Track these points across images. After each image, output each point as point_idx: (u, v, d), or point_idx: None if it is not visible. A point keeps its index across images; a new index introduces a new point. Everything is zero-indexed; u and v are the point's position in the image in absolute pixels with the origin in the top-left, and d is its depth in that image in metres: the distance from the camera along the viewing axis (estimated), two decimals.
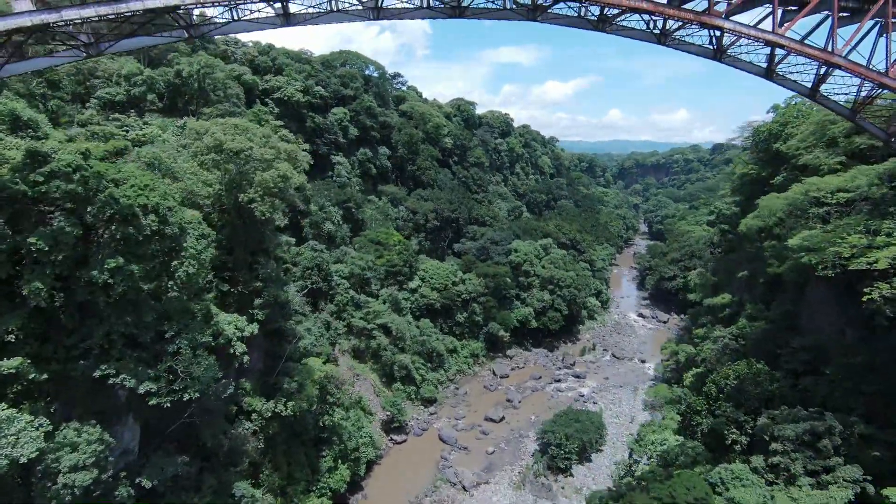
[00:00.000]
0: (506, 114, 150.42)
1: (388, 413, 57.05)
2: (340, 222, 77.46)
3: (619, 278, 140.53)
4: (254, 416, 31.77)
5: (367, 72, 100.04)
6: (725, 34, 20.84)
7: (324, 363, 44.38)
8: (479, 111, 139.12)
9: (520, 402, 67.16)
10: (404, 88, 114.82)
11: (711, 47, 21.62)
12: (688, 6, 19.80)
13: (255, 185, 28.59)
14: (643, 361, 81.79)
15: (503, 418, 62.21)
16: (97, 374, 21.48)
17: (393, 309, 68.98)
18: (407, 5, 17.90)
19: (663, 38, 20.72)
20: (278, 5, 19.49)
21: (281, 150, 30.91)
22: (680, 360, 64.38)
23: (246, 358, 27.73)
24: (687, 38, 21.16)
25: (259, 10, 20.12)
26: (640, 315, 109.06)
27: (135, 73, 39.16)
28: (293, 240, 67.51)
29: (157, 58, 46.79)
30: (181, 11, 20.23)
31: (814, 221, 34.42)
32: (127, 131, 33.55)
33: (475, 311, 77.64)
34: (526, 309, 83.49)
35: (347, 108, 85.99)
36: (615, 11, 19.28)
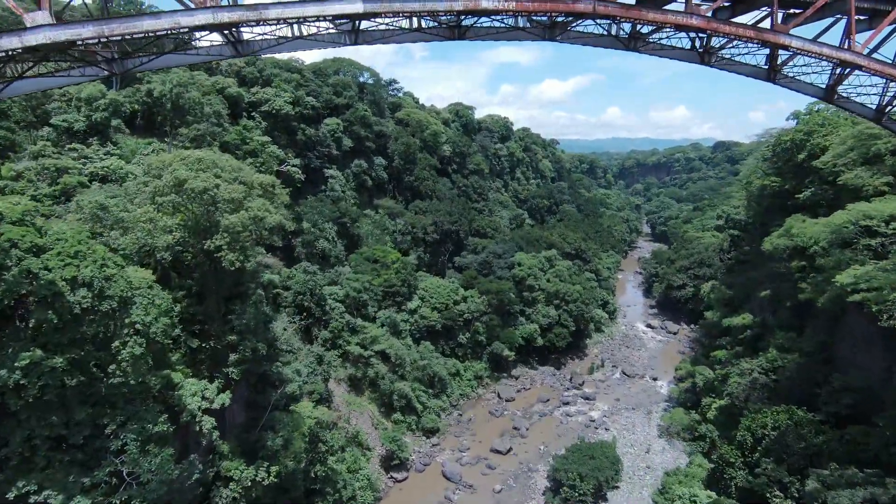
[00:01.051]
0: (505, 117, 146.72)
1: (388, 449, 53.25)
2: (335, 239, 73.67)
3: (624, 284, 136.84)
4: (232, 483, 28.00)
5: (361, 79, 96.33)
6: (781, 52, 17.11)
7: (315, 405, 40.55)
8: (479, 114, 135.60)
9: (527, 429, 63.34)
10: (400, 95, 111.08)
11: (765, 67, 17.97)
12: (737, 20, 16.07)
13: (221, 231, 24.74)
14: (655, 379, 78.06)
15: (510, 450, 58.41)
16: (12, 493, 17.04)
17: (391, 332, 65.24)
18: (391, 28, 14.29)
19: (707, 57, 17.06)
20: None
21: (254, 185, 27.10)
22: (697, 384, 60.51)
23: (216, 434, 23.93)
24: (736, 58, 17.52)
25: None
26: (649, 325, 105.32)
27: (96, 97, 35.31)
28: (281, 263, 63.92)
29: (128, 76, 43.02)
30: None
31: (864, 254, 30.73)
32: (85, 163, 29.73)
33: (478, 330, 73.89)
34: (531, 326, 79.68)
35: (341, 117, 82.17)
36: (650, 28, 15.65)
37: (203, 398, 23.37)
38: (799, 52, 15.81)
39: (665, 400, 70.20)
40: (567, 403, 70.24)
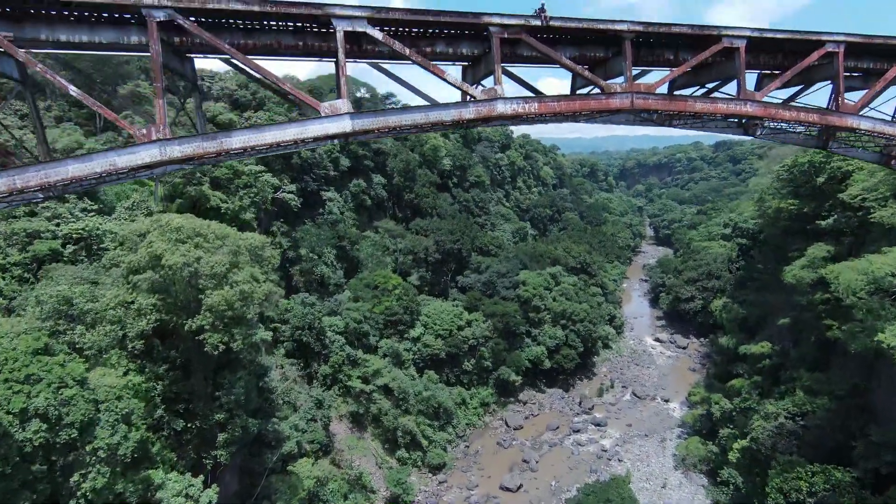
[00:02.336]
0: (505, 125, 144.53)
1: (393, 492, 50.96)
2: (334, 263, 71.48)
3: (629, 293, 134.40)
4: None
5: (358, 94, 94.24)
6: None
7: (315, 461, 38.25)
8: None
9: (537, 462, 61.00)
10: (399, 107, 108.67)
11: (815, 135, 15.80)
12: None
13: (203, 310, 22.49)
14: (666, 401, 75.72)
15: (521, 486, 56.11)
16: None
17: (394, 363, 62.99)
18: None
19: (752, 129, 14.80)
20: None
21: (241, 250, 24.80)
22: (713, 413, 58.09)
23: None
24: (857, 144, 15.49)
25: None
26: (657, 340, 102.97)
27: (73, 148, 33.01)
28: (282, 290, 61.67)
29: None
30: None
31: None
32: (59, 224, 27.52)
33: (483, 355, 71.57)
34: (538, 348, 77.33)
35: None
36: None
37: (187, 496, 21.13)
38: (867, 133, 13.66)
39: (678, 425, 67.88)
40: (577, 431, 67.91)
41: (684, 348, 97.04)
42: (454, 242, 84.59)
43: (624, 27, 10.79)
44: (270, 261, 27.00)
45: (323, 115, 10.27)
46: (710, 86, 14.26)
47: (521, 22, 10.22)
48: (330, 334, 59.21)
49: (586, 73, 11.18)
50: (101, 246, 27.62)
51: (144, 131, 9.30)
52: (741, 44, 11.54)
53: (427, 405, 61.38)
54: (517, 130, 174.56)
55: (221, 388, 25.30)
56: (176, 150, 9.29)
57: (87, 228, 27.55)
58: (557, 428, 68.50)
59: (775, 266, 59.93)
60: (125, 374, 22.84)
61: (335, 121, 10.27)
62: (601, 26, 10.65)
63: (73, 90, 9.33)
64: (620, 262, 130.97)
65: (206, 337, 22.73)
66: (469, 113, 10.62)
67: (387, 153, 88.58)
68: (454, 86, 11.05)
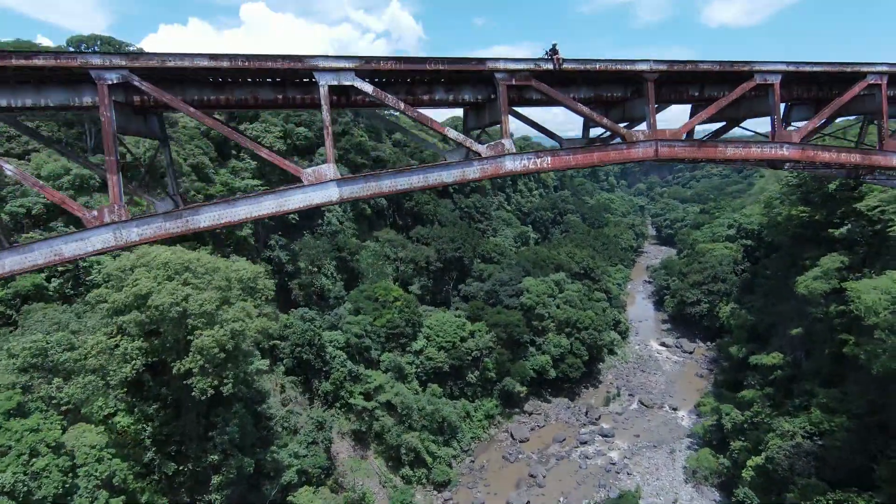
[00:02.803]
0: None
1: None
2: (334, 274, 70.37)
3: (633, 295, 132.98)
4: None
5: None
6: None
7: (316, 489, 37.03)
8: None
9: (544, 476, 59.72)
10: (397, 114, 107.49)
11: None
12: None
13: (193, 352, 21.23)
14: (675, 409, 74.34)
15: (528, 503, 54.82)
16: None
17: (396, 377, 61.80)
18: None
19: (781, 164, 13.63)
20: None
21: (233, 283, 23.58)
22: (724, 424, 56.80)
23: None
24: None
25: None
26: (663, 344, 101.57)
27: (59, 174, 31.65)
28: (276, 325, 60.49)
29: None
30: None
31: None
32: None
33: (487, 366, 70.32)
34: (543, 357, 76.03)
35: (337, 145, 78.76)
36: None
37: None
38: None
39: (687, 435, 66.53)
40: (585, 443, 66.59)
41: (690, 353, 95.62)
42: (456, 250, 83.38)
43: (646, 67, 9.59)
44: (264, 292, 25.84)
45: (306, 183, 9.10)
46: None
47: (531, 67, 9.04)
48: (331, 350, 58.04)
49: (604, 120, 9.98)
50: (89, 278, 26.45)
51: (95, 213, 8.12)
52: (775, 80, 10.35)
53: (431, 420, 60.16)
54: (517, 133, 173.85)
55: (215, 428, 24.12)
56: (133, 234, 8.10)
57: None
58: (564, 440, 67.20)
59: (785, 273, 58.60)
60: (113, 414, 21.66)
61: (320, 189, 9.09)
62: (620, 67, 9.47)
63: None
64: (624, 264, 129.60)
65: (194, 381, 21.45)
66: (473, 172, 9.43)
67: (386, 161, 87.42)
68: (455, 142, 9.86)
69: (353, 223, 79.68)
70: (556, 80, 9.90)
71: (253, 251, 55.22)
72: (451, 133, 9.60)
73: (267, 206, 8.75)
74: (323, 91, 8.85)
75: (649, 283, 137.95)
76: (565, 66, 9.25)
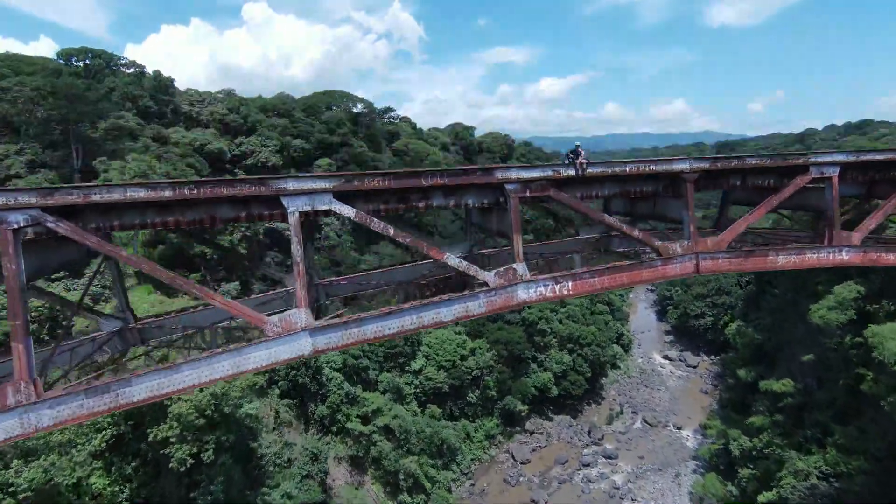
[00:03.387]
0: (506, 136, 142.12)
1: None
2: None
3: (635, 303, 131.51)
4: None
5: (355, 109, 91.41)
6: None
7: None
8: (479, 115, 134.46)
9: (546, 502, 58.21)
10: (397, 122, 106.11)
11: None
12: None
13: (170, 419, 19.56)
14: (679, 428, 72.80)
15: None
16: None
17: (394, 398, 60.21)
18: None
19: None
20: None
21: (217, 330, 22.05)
22: (732, 451, 55.27)
23: None
24: None
25: None
26: (666, 357, 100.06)
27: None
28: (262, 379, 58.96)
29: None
30: None
31: None
32: None
33: (488, 385, 68.77)
34: (545, 374, 74.49)
35: (335, 157, 77.34)
36: None
37: None
38: None
39: (693, 457, 64.99)
40: (587, 465, 65.02)
41: (695, 367, 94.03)
42: None
43: (685, 167, 8.10)
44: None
45: (271, 335, 7.49)
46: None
47: (548, 175, 7.57)
48: (327, 371, 56.44)
49: (635, 233, 8.44)
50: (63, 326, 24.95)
51: None
52: (833, 172, 8.87)
53: (430, 443, 58.62)
54: (518, 138, 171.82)
55: (198, 487, 22.51)
56: (45, 417, 6.47)
57: (43, 306, 24.80)
58: (566, 462, 65.64)
59: (794, 294, 57.03)
60: (88, 476, 20.08)
61: (289, 342, 7.47)
62: (655, 168, 7.99)
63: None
64: None
65: (171, 451, 19.85)
66: (478, 307, 7.93)
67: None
68: (457, 270, 8.32)
69: (352, 236, 78.15)
70: (577, 182, 8.40)
71: (248, 271, 53.65)
72: (452, 261, 8.06)
73: (220, 368, 7.15)
74: (293, 219, 7.33)
75: (651, 290, 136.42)
76: (590, 170, 7.74)
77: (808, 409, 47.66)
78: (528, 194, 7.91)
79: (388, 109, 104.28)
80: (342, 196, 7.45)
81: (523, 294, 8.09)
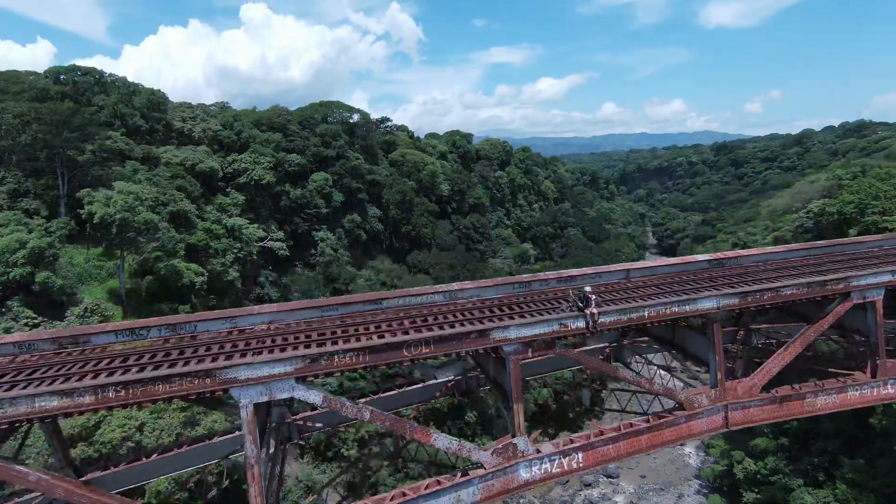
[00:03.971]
0: (504, 142, 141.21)
1: None
2: None
3: None
4: None
5: (351, 120, 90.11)
6: None
7: None
8: (477, 116, 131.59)
9: None
10: (394, 132, 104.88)
11: None
12: None
13: (149, 494, 18.58)
14: (682, 446, 71.68)
15: None
16: None
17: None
18: None
19: None
20: None
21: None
22: (736, 473, 54.34)
23: None
24: None
25: None
26: (667, 369, 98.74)
27: (13, 248, 28.64)
28: None
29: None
30: None
31: None
32: None
33: (487, 402, 67.52)
34: (545, 391, 73.37)
35: (330, 170, 76.18)
36: None
37: None
38: None
39: (695, 476, 64.01)
40: (589, 485, 64.00)
41: (696, 378, 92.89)
42: (453, 278, 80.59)
43: (712, 305, 7.06)
44: None
45: None
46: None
47: (553, 330, 6.54)
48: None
49: (654, 386, 7.42)
50: None
51: None
52: (878, 296, 7.86)
53: (428, 467, 57.54)
54: (515, 144, 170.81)
55: None
56: None
57: None
58: (568, 481, 64.58)
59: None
60: None
61: None
62: (678, 311, 6.96)
63: None
64: None
65: None
66: (472, 495, 6.83)
67: (382, 184, 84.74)
68: (448, 451, 7.23)
69: (348, 250, 76.98)
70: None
71: (240, 294, 52.47)
72: (442, 442, 7.04)
73: None
74: (246, 413, 6.22)
75: None
76: (603, 320, 6.68)
77: (813, 435, 46.72)
78: (529, 353, 6.87)
79: (385, 119, 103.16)
80: (305, 378, 6.41)
81: (525, 474, 7.09)
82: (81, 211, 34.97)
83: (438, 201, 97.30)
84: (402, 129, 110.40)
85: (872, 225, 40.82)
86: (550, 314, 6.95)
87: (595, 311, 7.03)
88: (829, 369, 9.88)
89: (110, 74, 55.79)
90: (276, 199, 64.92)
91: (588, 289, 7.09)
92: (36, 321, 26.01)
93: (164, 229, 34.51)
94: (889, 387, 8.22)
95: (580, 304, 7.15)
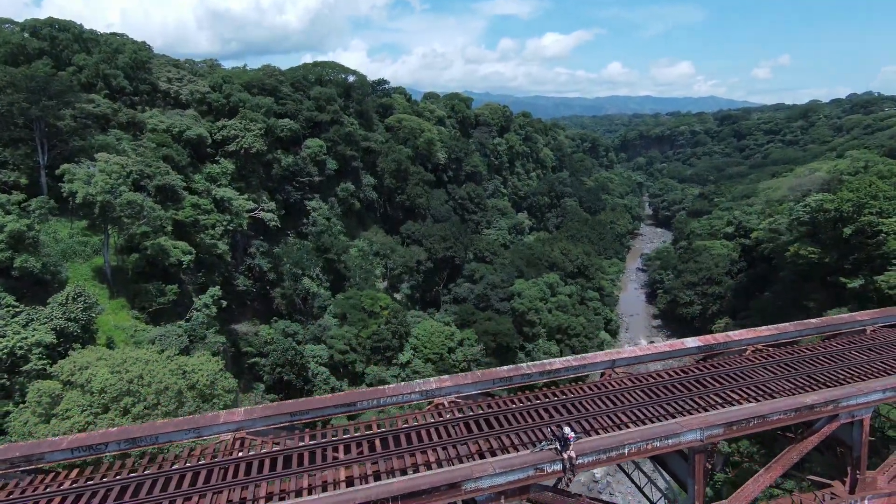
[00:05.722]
0: (505, 107, 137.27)
1: None
2: (320, 276, 67.61)
3: (626, 283, 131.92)
4: None
5: (348, 80, 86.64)
6: None
7: None
8: (479, 72, 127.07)
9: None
10: (392, 96, 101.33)
11: None
12: None
13: None
14: None
15: None
16: None
17: None
18: None
19: None
20: None
21: (185, 398, 20.56)
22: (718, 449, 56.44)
23: None
24: None
25: None
26: (652, 343, 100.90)
27: None
28: (256, 325, 58.08)
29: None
30: None
31: None
32: None
33: None
34: None
35: (324, 136, 74.00)
36: None
37: None
38: None
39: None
40: None
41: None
42: (447, 249, 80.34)
43: (695, 438, 6.77)
44: (222, 400, 23.01)
45: None
46: None
47: (529, 474, 6.21)
48: (313, 366, 56.27)
49: None
50: (26, 368, 23.25)
51: None
52: (865, 415, 7.64)
53: None
54: (517, 103, 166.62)
55: None
56: None
57: (7, 347, 23.16)
58: None
59: (786, 304, 56.83)
60: None
61: None
62: (658, 446, 6.68)
63: None
64: (619, 257, 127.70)
65: None
66: None
67: (377, 152, 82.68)
68: None
69: (341, 220, 76.05)
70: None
71: (230, 268, 52.01)
72: None
73: None
74: None
75: (643, 270, 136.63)
76: (581, 461, 6.36)
77: None
78: (502, 502, 6.62)
79: (382, 81, 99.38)
80: None
81: None
82: (63, 185, 33.86)
83: (434, 169, 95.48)
84: (399, 91, 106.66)
85: (868, 225, 40.60)
86: (528, 449, 6.68)
87: (573, 454, 6.76)
88: (808, 476, 9.90)
89: (91, 30, 52.52)
90: (267, 166, 63.23)
91: (567, 430, 6.81)
92: (17, 308, 25.46)
93: (150, 209, 33.58)
94: (867, 501, 8.23)
95: (558, 447, 6.89)
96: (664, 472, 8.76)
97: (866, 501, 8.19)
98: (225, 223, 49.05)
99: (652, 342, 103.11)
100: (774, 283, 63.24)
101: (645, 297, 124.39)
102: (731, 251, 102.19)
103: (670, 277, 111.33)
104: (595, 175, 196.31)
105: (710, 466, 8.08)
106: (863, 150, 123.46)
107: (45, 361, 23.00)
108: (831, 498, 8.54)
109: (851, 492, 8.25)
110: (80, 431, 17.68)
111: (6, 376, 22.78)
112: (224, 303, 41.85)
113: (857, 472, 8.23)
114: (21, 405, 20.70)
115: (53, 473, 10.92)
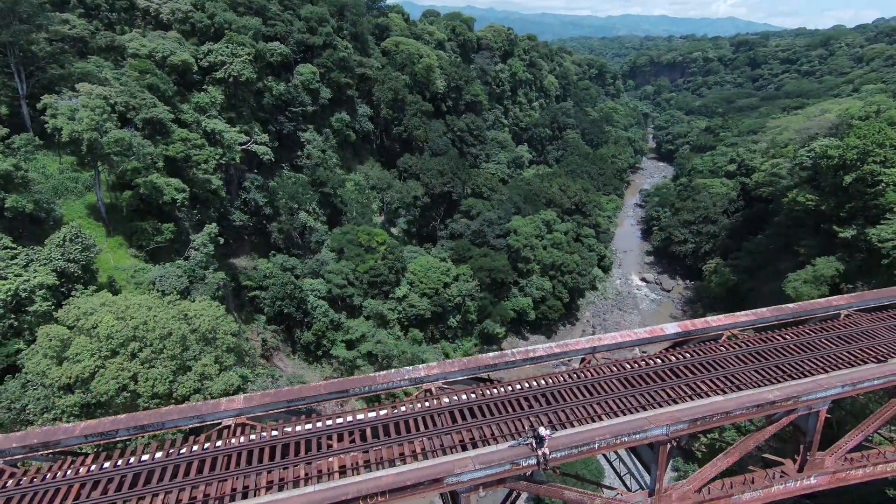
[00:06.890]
0: (509, 29, 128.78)
1: None
2: (317, 210, 67.62)
3: (622, 219, 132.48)
4: None
5: None
6: None
7: None
8: (480, 7, 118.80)
9: None
10: (389, 15, 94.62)
11: None
12: None
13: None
14: (644, 353, 78.19)
15: None
16: None
17: (378, 324, 62.68)
18: None
19: None
20: None
21: (189, 343, 21.26)
22: None
23: None
24: None
25: None
26: (644, 279, 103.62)
27: None
28: (253, 260, 58.69)
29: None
30: None
31: None
32: None
33: (469, 310, 71.44)
34: (524, 299, 77.28)
35: (316, 62, 70.35)
36: None
37: None
38: None
39: None
40: None
41: (669, 291, 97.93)
42: (444, 184, 79.51)
43: (661, 433, 7.25)
44: (224, 343, 23.79)
45: None
46: None
47: (506, 468, 6.70)
48: (312, 300, 57.82)
49: (596, 502, 7.83)
50: (31, 308, 23.84)
51: None
52: (822, 407, 8.09)
53: (411, 364, 62.60)
54: (523, 22, 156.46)
55: None
56: None
57: (10, 289, 23.50)
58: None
59: (777, 250, 57.74)
60: None
61: None
62: (628, 441, 7.12)
63: None
64: (617, 194, 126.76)
65: None
66: None
67: (373, 79, 78.93)
68: None
69: (336, 152, 74.37)
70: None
71: (226, 203, 51.68)
72: None
73: None
74: None
75: (640, 206, 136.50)
76: (555, 455, 6.89)
77: None
78: (481, 493, 7.20)
79: None
80: None
81: None
82: (46, 118, 32.62)
83: (433, 99, 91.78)
84: (397, 9, 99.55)
85: (869, 174, 40.12)
86: (507, 441, 7.24)
87: (547, 450, 7.33)
88: (763, 455, 10.71)
89: None
90: (258, 95, 60.62)
91: (542, 430, 7.31)
92: (15, 249, 25.58)
93: (139, 145, 32.56)
94: (812, 479, 9.03)
95: (534, 444, 7.42)
96: (633, 456, 9.60)
97: (812, 479, 9.08)
98: (217, 157, 47.96)
99: (644, 279, 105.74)
100: (769, 226, 63.61)
101: (640, 234, 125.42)
102: (731, 190, 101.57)
103: (667, 215, 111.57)
104: (600, 105, 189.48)
105: (675, 444, 8.87)
106: (880, 84, 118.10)
107: (50, 303, 23.68)
108: (780, 476, 9.45)
109: (800, 471, 9.11)
110: (91, 374, 18.68)
111: (13, 316, 23.56)
112: (221, 239, 42.07)
113: (808, 454, 9.05)
114: (32, 345, 21.65)
115: (70, 459, 11.79)
